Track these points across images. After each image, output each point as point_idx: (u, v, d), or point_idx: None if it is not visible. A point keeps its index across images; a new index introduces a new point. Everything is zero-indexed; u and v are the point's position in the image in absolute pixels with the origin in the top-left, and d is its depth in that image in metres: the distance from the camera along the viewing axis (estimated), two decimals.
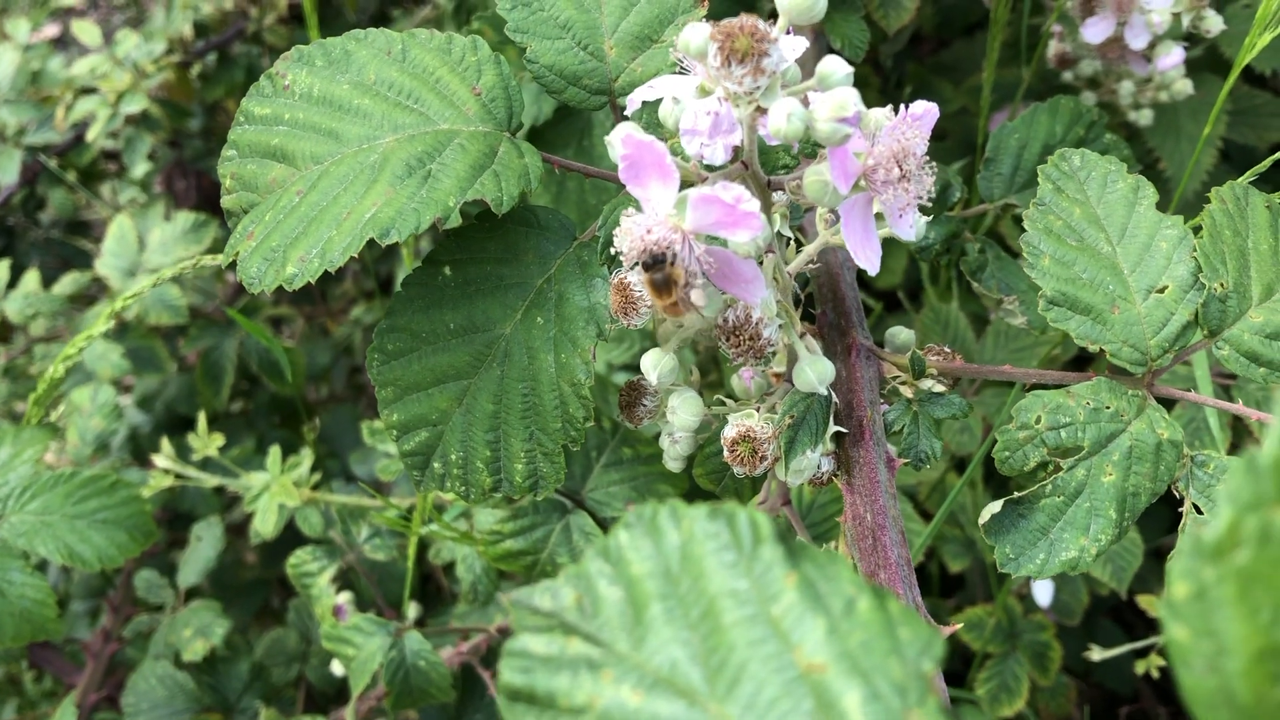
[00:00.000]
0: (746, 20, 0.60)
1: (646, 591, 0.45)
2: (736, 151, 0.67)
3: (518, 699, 0.44)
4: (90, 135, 1.79)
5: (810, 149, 0.76)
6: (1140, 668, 1.54)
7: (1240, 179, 0.96)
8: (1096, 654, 1.54)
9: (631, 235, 0.64)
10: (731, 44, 0.60)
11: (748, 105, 0.62)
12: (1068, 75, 1.45)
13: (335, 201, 0.77)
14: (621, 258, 0.66)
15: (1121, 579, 1.44)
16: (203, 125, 2.22)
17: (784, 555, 0.43)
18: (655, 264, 0.65)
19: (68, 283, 1.78)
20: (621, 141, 0.63)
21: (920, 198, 0.67)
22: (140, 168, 1.89)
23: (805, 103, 0.64)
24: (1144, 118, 1.43)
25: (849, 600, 0.42)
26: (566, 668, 0.44)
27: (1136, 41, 1.27)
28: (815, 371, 0.72)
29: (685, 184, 0.65)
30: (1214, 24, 1.26)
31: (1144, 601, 1.50)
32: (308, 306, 2.34)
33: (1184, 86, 1.38)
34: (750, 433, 0.76)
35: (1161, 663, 1.52)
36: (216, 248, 1.81)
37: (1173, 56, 1.30)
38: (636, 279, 0.69)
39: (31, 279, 1.77)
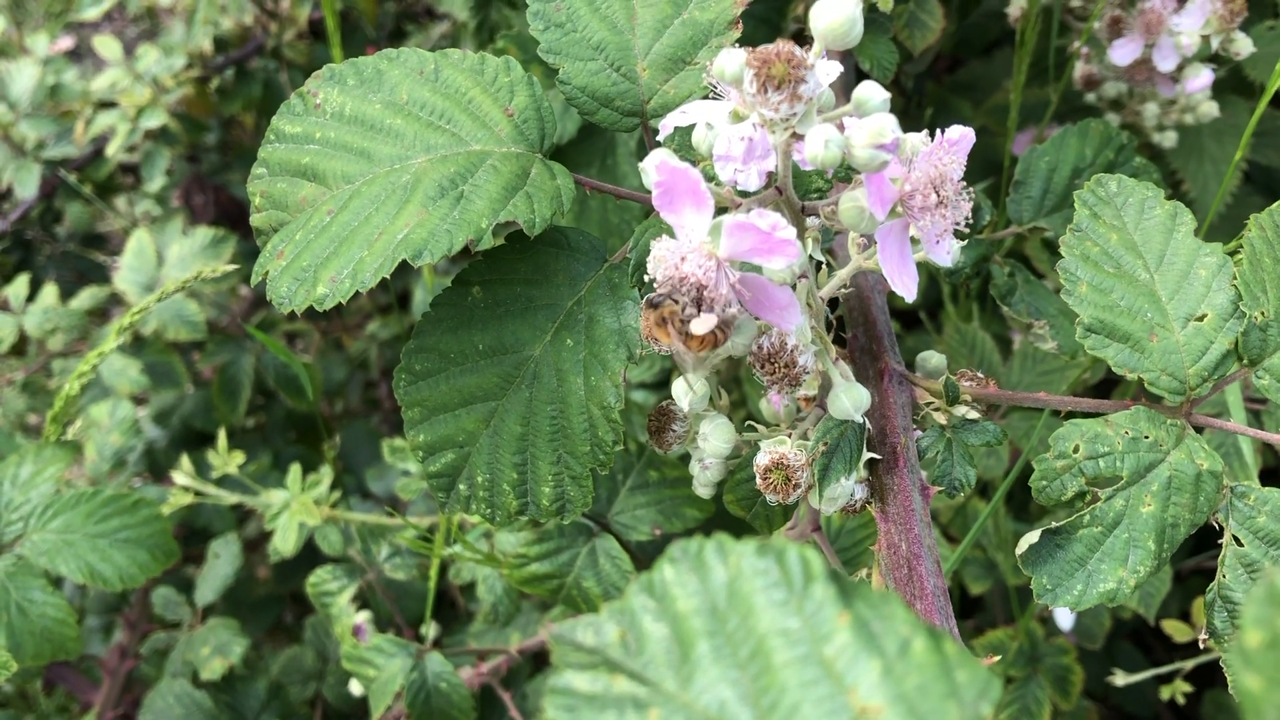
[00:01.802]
0: (783, 46, 0.59)
1: (693, 629, 0.44)
2: (770, 177, 0.66)
3: None
4: (110, 150, 1.79)
5: (844, 173, 0.75)
6: (1166, 693, 1.53)
7: (1276, 204, 0.96)
8: (1120, 678, 1.52)
9: (665, 263, 0.63)
10: (768, 70, 0.59)
11: (783, 131, 0.62)
12: (1090, 97, 1.44)
13: (367, 222, 0.77)
14: (655, 284, 0.65)
15: (1150, 605, 1.42)
16: (219, 140, 2.22)
17: (836, 594, 0.42)
18: (658, 305, 0.64)
19: (86, 297, 1.78)
20: (656, 168, 0.62)
21: (957, 224, 0.66)
22: (157, 182, 1.89)
23: (840, 128, 0.63)
24: (1168, 139, 1.42)
25: (904, 641, 0.41)
26: (612, 706, 0.43)
27: (1165, 64, 1.26)
28: (850, 399, 0.71)
29: (719, 209, 0.64)
30: (1243, 46, 1.25)
31: (1168, 627, 1.48)
32: (323, 321, 2.34)
33: (1210, 109, 1.37)
34: (784, 460, 0.75)
35: (1187, 689, 1.50)
36: (235, 263, 1.80)
37: (1201, 79, 1.29)
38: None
39: (50, 293, 1.77)
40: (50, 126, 1.89)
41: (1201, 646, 0.76)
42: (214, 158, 2.21)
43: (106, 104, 1.87)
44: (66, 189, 2.05)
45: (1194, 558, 1.72)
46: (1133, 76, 1.34)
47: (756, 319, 0.69)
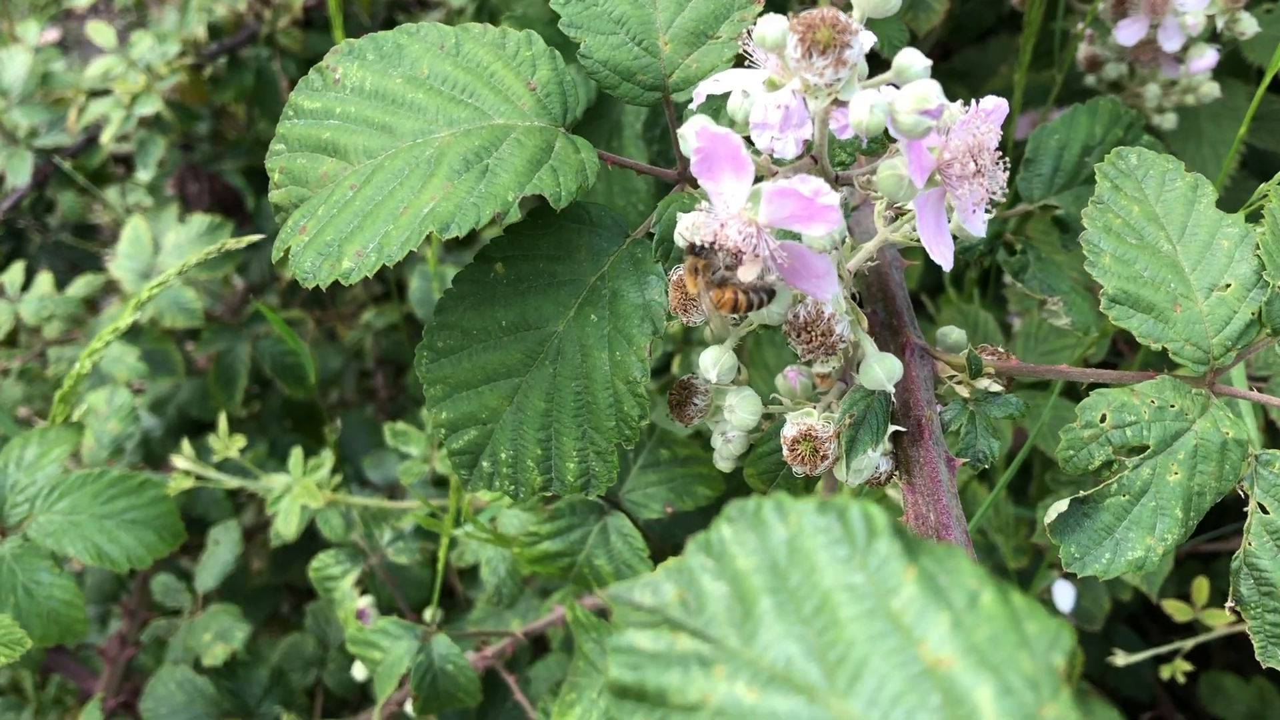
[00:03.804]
0: (828, 11, 0.59)
1: (754, 586, 0.44)
2: (806, 145, 0.66)
3: (627, 696, 0.43)
4: (104, 137, 1.78)
5: (874, 146, 0.75)
6: (1166, 673, 1.54)
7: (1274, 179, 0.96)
8: (1121, 659, 1.53)
9: (705, 229, 0.63)
10: (813, 35, 0.59)
11: (825, 98, 0.62)
12: (1090, 79, 1.44)
13: (391, 196, 0.76)
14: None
15: (1152, 583, 1.43)
16: (211, 129, 2.21)
17: (901, 549, 0.42)
18: (701, 252, 0.64)
19: (81, 285, 1.77)
20: (696, 134, 0.62)
21: (994, 193, 0.66)
22: (151, 170, 1.87)
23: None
24: (1168, 121, 1.43)
25: (972, 594, 0.41)
26: (676, 664, 0.43)
27: (1170, 44, 1.27)
28: (884, 368, 0.71)
29: (756, 178, 0.64)
30: (1248, 26, 1.25)
31: (1169, 606, 1.49)
32: (318, 310, 2.33)
33: (1211, 89, 1.38)
34: (812, 431, 0.75)
35: (1188, 667, 1.51)
36: (233, 252, 1.79)
37: (1206, 59, 1.30)
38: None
39: (45, 281, 1.75)
40: (42, 114, 1.87)
41: (1228, 613, 0.76)
42: (206, 148, 2.19)
43: (99, 92, 1.85)
44: (58, 178, 2.03)
45: (1189, 541, 1.74)
46: (1137, 57, 1.35)
47: (790, 288, 0.69)
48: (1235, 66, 1.57)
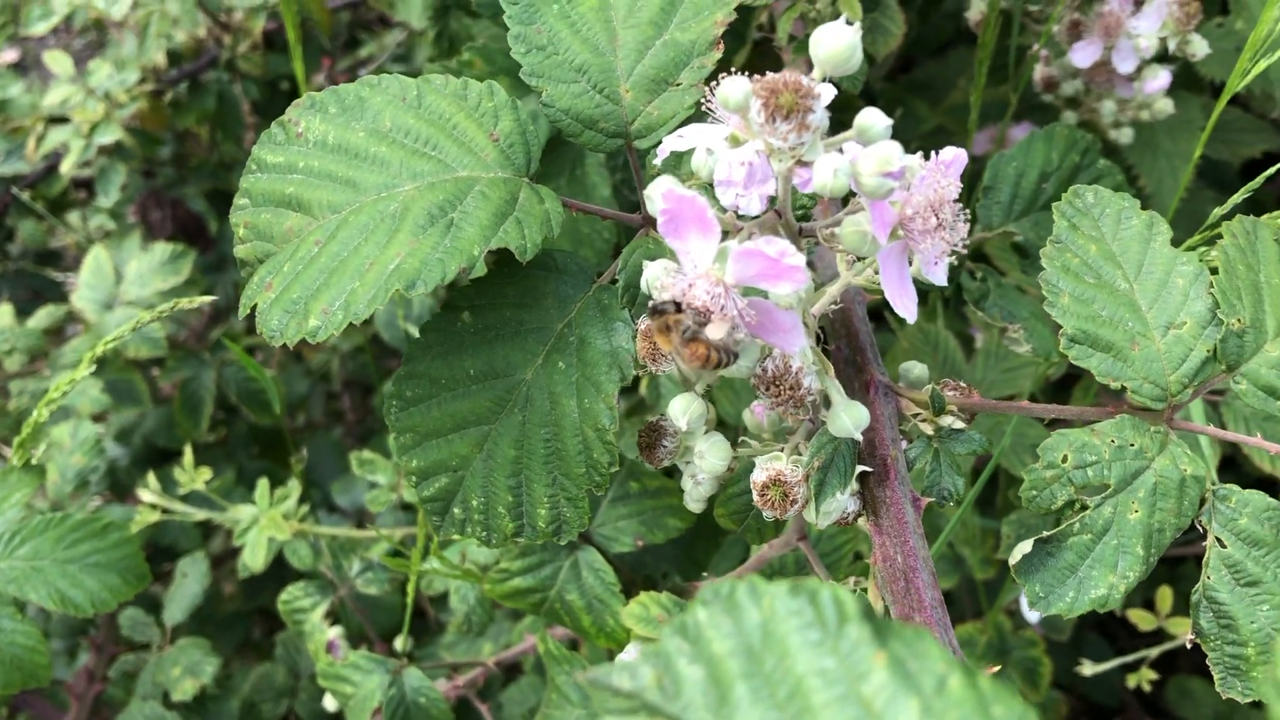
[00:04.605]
0: (790, 76, 0.60)
1: (729, 670, 0.44)
2: (770, 201, 0.66)
3: None
4: (64, 167, 1.76)
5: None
6: (1132, 681, 1.56)
7: (1231, 199, 0.98)
8: (1088, 669, 1.55)
9: (672, 289, 0.64)
10: (776, 100, 0.59)
11: (789, 159, 0.62)
12: (1048, 96, 1.46)
13: (356, 252, 0.76)
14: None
15: None
16: (174, 153, 2.19)
17: (871, 633, 0.43)
18: (669, 311, 0.65)
19: (43, 316, 1.75)
20: (662, 196, 0.62)
21: (955, 245, 0.67)
22: (113, 197, 1.86)
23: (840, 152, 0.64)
24: (1124, 136, 1.45)
25: (940, 678, 0.42)
26: None
27: (1124, 65, 1.29)
28: (851, 418, 0.72)
29: (723, 234, 0.65)
30: (1199, 48, 1.27)
31: (1133, 615, 1.51)
32: None
33: (1165, 106, 1.40)
34: (781, 476, 0.75)
35: (1153, 676, 1.54)
36: (194, 278, 1.78)
37: (1159, 80, 1.32)
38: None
39: (5, 312, 1.73)
40: (0, 143, 1.86)
41: (1188, 646, 0.78)
42: (169, 172, 2.17)
43: (58, 119, 1.84)
44: (19, 206, 2.01)
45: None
46: (1092, 78, 1.37)
47: (757, 341, 0.69)
48: (1189, 80, 1.59)
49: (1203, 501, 0.78)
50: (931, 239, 0.65)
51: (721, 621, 0.45)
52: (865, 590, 0.82)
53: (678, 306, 0.64)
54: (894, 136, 0.63)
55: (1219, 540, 0.77)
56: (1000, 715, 0.41)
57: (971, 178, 1.35)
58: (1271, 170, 0.99)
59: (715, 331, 0.64)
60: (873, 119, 0.63)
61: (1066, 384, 1.70)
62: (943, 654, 0.42)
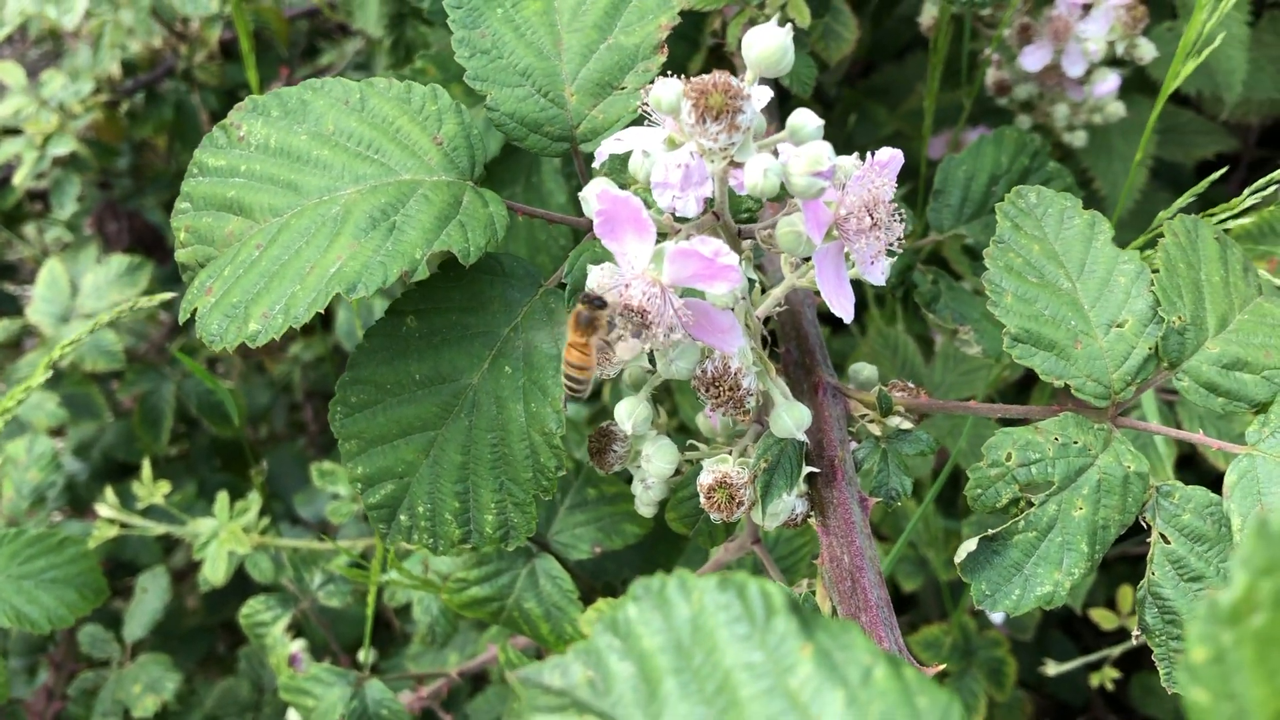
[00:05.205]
0: (719, 77, 0.60)
1: (659, 666, 0.44)
2: (708, 202, 0.67)
3: None
4: (17, 179, 1.75)
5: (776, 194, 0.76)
6: (1095, 680, 1.57)
7: (1177, 201, 0.99)
8: (1052, 668, 1.56)
9: (610, 291, 0.64)
10: (706, 101, 0.60)
11: (721, 160, 0.62)
12: (1002, 100, 1.47)
13: (297, 255, 0.76)
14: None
15: (1076, 596, 1.46)
16: (131, 164, 2.18)
17: (798, 626, 0.43)
18: (593, 303, 0.66)
19: None
20: (597, 197, 0.62)
21: (891, 244, 0.67)
22: (69, 209, 1.85)
23: (775, 154, 0.64)
24: (1078, 139, 1.47)
25: (865, 670, 0.42)
26: None
27: (1074, 69, 1.30)
28: (793, 418, 0.72)
29: (658, 236, 0.65)
30: (1146, 51, 1.29)
31: (1095, 615, 1.52)
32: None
33: (1117, 109, 1.41)
34: (727, 479, 0.75)
35: (1116, 675, 1.54)
36: (152, 290, 1.77)
37: (1109, 83, 1.33)
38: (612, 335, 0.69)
39: None
40: None
41: (1135, 642, 0.78)
42: (126, 182, 2.16)
43: (11, 131, 1.82)
44: None
45: (1117, 545, 1.77)
46: (1043, 82, 1.38)
47: (697, 342, 0.69)
48: (1142, 83, 1.61)
49: (1147, 498, 0.79)
50: (867, 239, 0.65)
51: (652, 617, 0.45)
52: (815, 591, 0.82)
53: (603, 303, 0.64)
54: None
55: (1163, 536, 0.78)
56: (925, 705, 0.41)
57: (927, 182, 1.36)
58: (1218, 174, 1.00)
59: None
60: (804, 119, 0.63)
61: (1027, 386, 1.71)
62: (868, 645, 0.42)
